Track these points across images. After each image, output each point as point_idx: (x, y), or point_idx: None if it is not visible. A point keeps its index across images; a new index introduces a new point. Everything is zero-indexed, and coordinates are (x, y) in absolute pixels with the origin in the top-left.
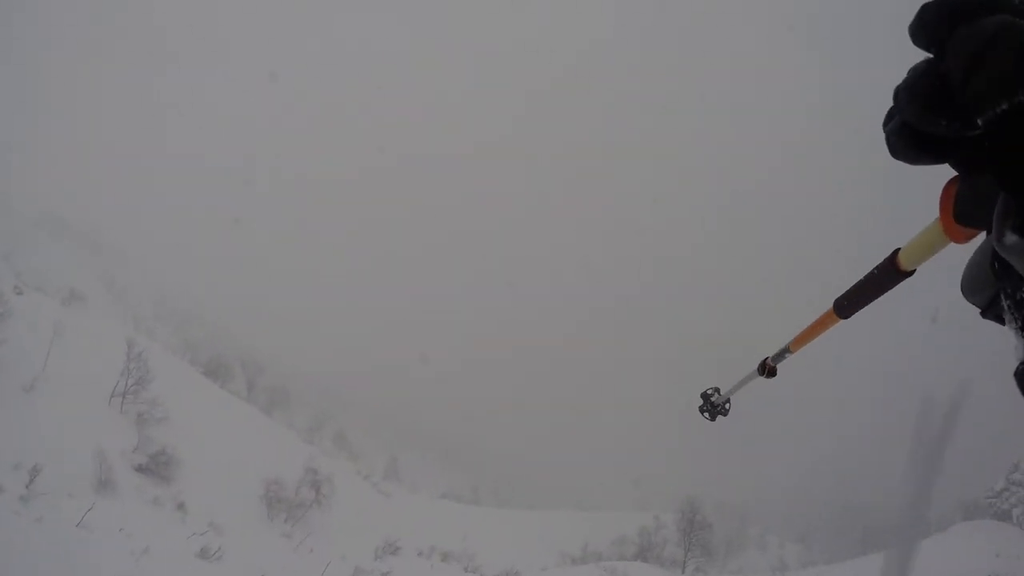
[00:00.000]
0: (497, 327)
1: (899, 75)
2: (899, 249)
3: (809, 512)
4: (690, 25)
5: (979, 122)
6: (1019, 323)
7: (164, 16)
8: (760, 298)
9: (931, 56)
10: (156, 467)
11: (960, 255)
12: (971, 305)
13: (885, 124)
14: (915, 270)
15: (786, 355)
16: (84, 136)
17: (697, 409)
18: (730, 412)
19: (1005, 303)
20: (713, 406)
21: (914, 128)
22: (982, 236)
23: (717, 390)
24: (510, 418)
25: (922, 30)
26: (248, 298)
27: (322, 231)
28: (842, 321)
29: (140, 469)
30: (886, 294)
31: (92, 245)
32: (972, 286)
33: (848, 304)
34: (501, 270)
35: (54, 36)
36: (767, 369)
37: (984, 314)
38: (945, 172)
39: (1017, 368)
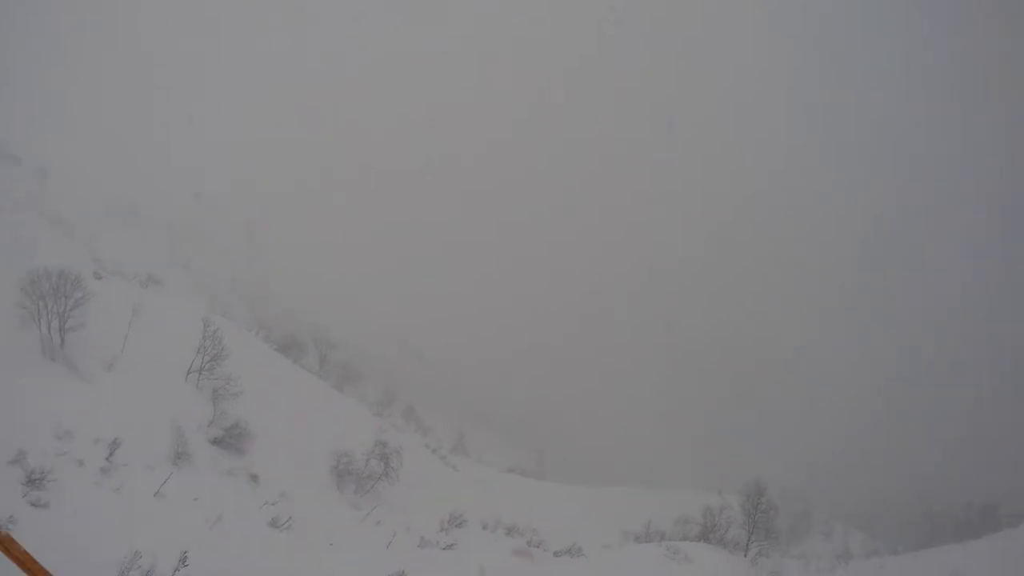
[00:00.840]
0: (558, 312)
1: (899, 75)
2: None
3: (876, 500)
4: (693, 28)
5: None
6: None
7: (163, 18)
8: (777, 302)
9: None
10: (231, 440)
11: None
12: None
13: None
14: None
15: None
16: (147, 121)
17: None
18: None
19: None
20: None
21: None
22: None
23: None
24: (576, 396)
25: None
26: (317, 281)
27: (370, 227)
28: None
29: (215, 442)
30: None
31: (168, 229)
32: None
33: None
34: (549, 258)
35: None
36: None
37: None
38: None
39: None
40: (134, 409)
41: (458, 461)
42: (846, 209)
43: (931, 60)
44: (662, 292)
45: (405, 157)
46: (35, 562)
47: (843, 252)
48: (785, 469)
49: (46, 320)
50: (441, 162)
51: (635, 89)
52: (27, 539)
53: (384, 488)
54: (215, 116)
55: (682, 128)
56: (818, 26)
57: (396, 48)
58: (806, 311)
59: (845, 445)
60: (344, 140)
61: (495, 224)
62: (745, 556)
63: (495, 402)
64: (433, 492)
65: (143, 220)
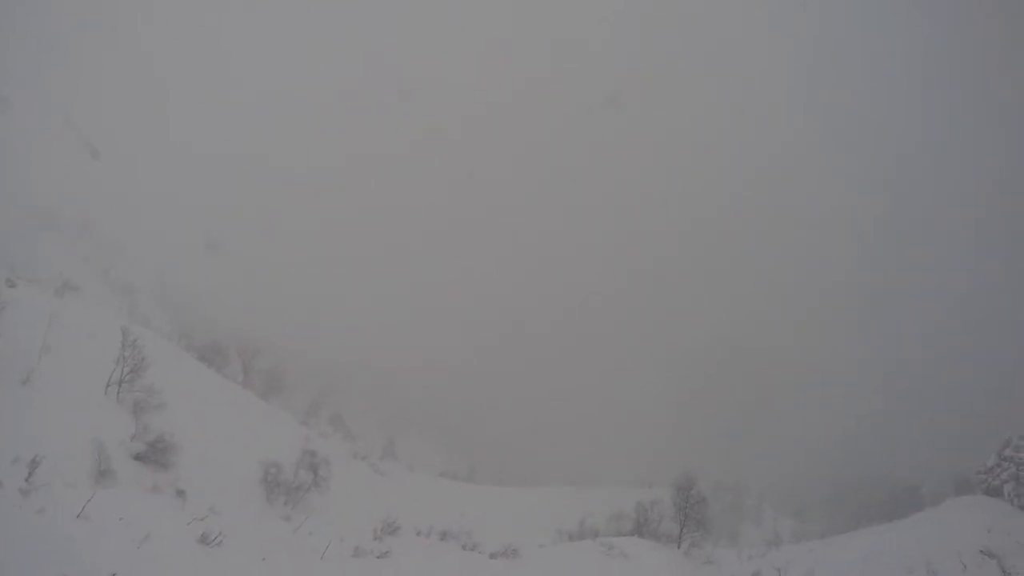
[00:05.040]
0: (491, 313)
1: (898, 74)
2: None
3: (805, 489)
4: (690, 26)
5: None
6: None
7: (160, 15)
8: (753, 295)
9: None
10: (154, 454)
11: None
12: None
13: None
14: None
15: None
16: (76, 126)
17: None
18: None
19: None
20: None
21: None
22: None
23: None
24: (506, 397)
25: None
26: (243, 287)
27: (310, 223)
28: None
29: (138, 457)
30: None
31: (85, 236)
32: None
33: None
34: (492, 261)
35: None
36: None
37: None
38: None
39: None
40: (53, 425)
41: (388, 468)
42: (846, 208)
43: (931, 59)
44: (644, 291)
45: (394, 150)
46: None
47: (844, 251)
48: (724, 460)
49: None
50: (397, 158)
51: (631, 87)
52: None
53: (315, 498)
54: (207, 109)
55: (680, 127)
56: (818, 25)
57: (385, 42)
58: (800, 309)
59: (811, 438)
60: (333, 132)
61: (488, 216)
62: (678, 548)
63: (426, 407)
64: (364, 500)
65: (60, 224)
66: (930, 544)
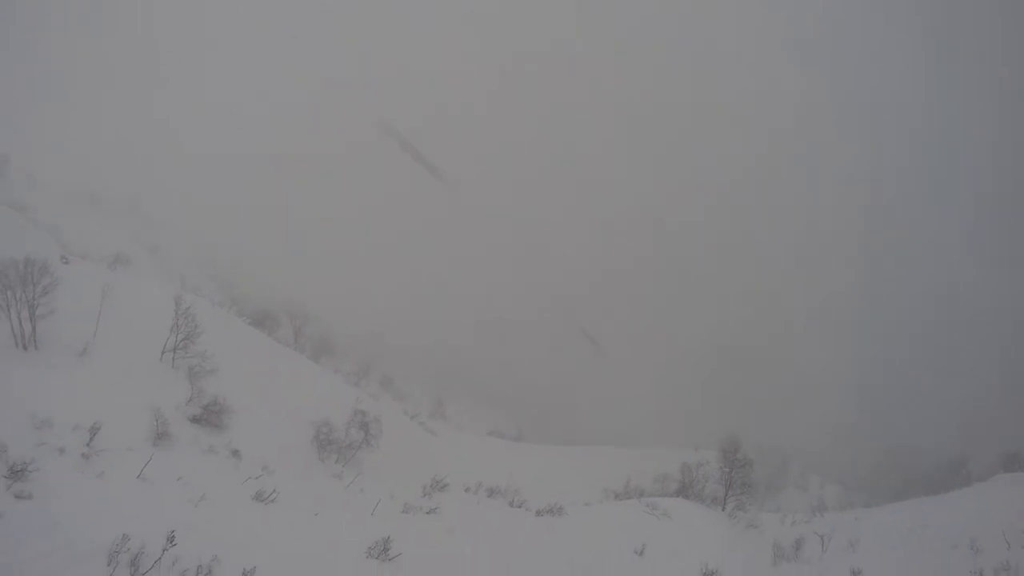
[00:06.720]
0: (529, 290)
1: (896, 71)
2: None
3: (851, 456)
4: (677, 20)
5: None
6: None
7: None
8: (760, 291)
9: None
10: (210, 417)
11: None
12: None
13: None
14: None
15: None
16: (108, 105)
17: None
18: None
19: None
20: None
21: None
22: None
23: None
24: (553, 359)
25: None
26: (290, 257)
27: (350, 201)
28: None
29: (194, 420)
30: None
31: (130, 212)
32: None
33: None
34: (527, 230)
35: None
36: None
37: None
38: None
39: None
40: (111, 393)
41: (437, 427)
42: (845, 208)
43: (929, 55)
44: (658, 275)
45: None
46: None
47: (844, 249)
48: (762, 423)
49: (15, 310)
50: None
51: (625, 85)
52: (14, 531)
53: (365, 456)
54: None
55: (675, 121)
56: (813, 18)
57: (385, 31)
58: (805, 307)
59: (854, 406)
60: (328, 117)
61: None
62: (723, 510)
63: (475, 368)
64: (414, 458)
65: (106, 205)
66: (975, 520)
